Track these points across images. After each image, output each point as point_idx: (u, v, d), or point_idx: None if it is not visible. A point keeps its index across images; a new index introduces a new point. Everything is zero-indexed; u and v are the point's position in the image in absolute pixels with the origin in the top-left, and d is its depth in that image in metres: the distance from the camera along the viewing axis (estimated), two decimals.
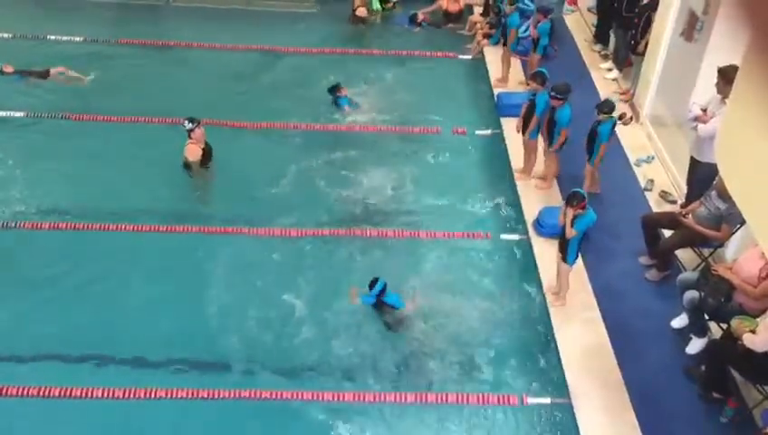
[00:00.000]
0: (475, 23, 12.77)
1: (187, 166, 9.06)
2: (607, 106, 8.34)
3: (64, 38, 12.09)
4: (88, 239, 8.32)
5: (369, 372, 7.06)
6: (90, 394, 6.60)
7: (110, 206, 8.75)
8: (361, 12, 12.93)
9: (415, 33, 13.00)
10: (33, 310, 7.48)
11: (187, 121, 8.93)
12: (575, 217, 7.02)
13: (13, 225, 8.41)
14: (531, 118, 8.92)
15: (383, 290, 7.44)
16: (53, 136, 9.93)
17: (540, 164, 9.29)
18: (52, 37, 12.09)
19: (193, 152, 8.97)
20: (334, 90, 10.67)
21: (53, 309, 7.48)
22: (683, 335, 7.28)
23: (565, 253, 7.30)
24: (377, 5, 13.26)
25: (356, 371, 7.08)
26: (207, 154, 9.13)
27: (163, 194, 9.05)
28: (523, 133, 9.14)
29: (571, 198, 7.01)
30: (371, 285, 7.45)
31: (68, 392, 6.60)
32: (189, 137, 8.95)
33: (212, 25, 12.97)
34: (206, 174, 9.25)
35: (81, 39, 12.10)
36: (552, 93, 8.49)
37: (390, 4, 13.41)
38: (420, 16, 13.12)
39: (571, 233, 7.08)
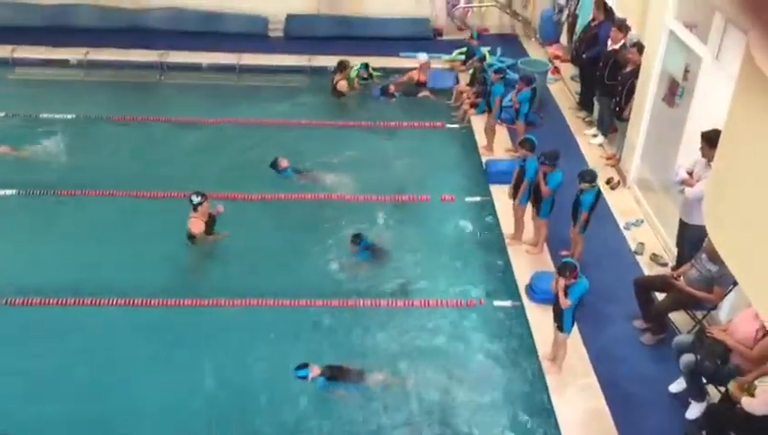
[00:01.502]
0: (462, 92, 13.03)
1: (191, 237, 9.07)
2: (589, 175, 8.40)
3: (57, 116, 12.22)
4: (76, 315, 8.23)
5: None
6: None
7: (100, 281, 8.68)
8: (342, 86, 13.15)
9: (390, 104, 13.20)
10: (15, 388, 7.35)
11: (194, 196, 8.98)
12: (568, 287, 6.99)
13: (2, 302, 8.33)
14: (521, 184, 9.00)
15: (305, 377, 7.28)
16: (44, 212, 9.94)
17: (530, 230, 9.33)
18: (45, 115, 12.22)
19: (197, 225, 9.00)
20: (275, 164, 10.76)
21: (39, 385, 7.35)
22: (682, 400, 7.19)
23: (561, 322, 7.25)
24: (355, 73, 13.52)
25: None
26: (210, 225, 9.17)
27: (153, 268, 8.99)
28: (514, 199, 9.22)
29: (563, 269, 6.98)
30: (298, 368, 7.33)
31: None
32: (195, 210, 8.98)
33: (203, 101, 13.17)
34: (208, 244, 9.24)
35: (73, 116, 12.24)
36: (542, 160, 8.58)
37: (366, 74, 13.65)
38: (392, 88, 13.37)
39: (565, 304, 7.03)
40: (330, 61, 13.72)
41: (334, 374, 7.34)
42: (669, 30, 9.44)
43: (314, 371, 7.33)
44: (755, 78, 3.95)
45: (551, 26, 15.33)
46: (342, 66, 13.21)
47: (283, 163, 10.78)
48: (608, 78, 11.17)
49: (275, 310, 8.38)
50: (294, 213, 10.14)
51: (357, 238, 9.07)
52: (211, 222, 9.17)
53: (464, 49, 14.50)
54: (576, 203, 8.55)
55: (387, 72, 13.82)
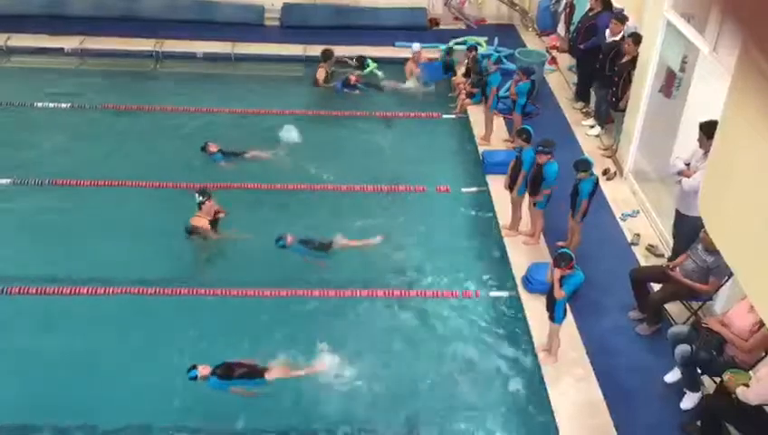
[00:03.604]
0: (458, 83, 13.00)
1: (190, 232, 8.94)
2: (582, 165, 8.39)
3: (51, 105, 12.17)
4: (67, 304, 8.21)
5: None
6: None
7: (94, 270, 8.67)
8: (320, 74, 13.08)
9: (355, 95, 13.03)
10: (13, 376, 7.35)
11: (197, 194, 8.87)
12: (563, 278, 7.00)
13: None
14: (518, 174, 8.99)
15: (195, 378, 7.04)
16: (38, 201, 9.89)
17: (527, 220, 9.32)
18: (39, 105, 12.17)
19: (200, 221, 8.91)
20: (204, 149, 10.73)
21: (31, 375, 7.36)
22: (676, 390, 7.22)
23: (552, 312, 7.27)
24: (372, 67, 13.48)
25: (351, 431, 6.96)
26: (214, 225, 9.05)
27: (147, 257, 8.97)
28: (511, 190, 9.21)
29: (559, 260, 7.00)
30: (188, 371, 7.08)
31: None
32: (199, 208, 8.86)
33: (198, 90, 13.12)
34: (211, 241, 9.12)
35: (68, 106, 12.19)
36: (539, 148, 8.56)
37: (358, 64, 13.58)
38: (352, 79, 13.17)
39: (560, 294, 7.05)
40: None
41: (227, 372, 7.08)
42: (667, 21, 9.43)
43: (203, 370, 7.05)
44: (751, 71, 3.95)
45: (548, 16, 15.31)
46: (326, 56, 13.12)
47: (212, 148, 10.75)
48: (605, 69, 11.15)
49: (263, 300, 8.37)
50: (290, 203, 10.11)
51: (278, 241, 8.85)
52: (215, 222, 9.07)
53: (460, 39, 14.46)
54: (575, 192, 8.55)
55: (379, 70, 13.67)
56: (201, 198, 8.86)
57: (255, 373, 7.19)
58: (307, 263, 8.85)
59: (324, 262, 8.91)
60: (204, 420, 7.04)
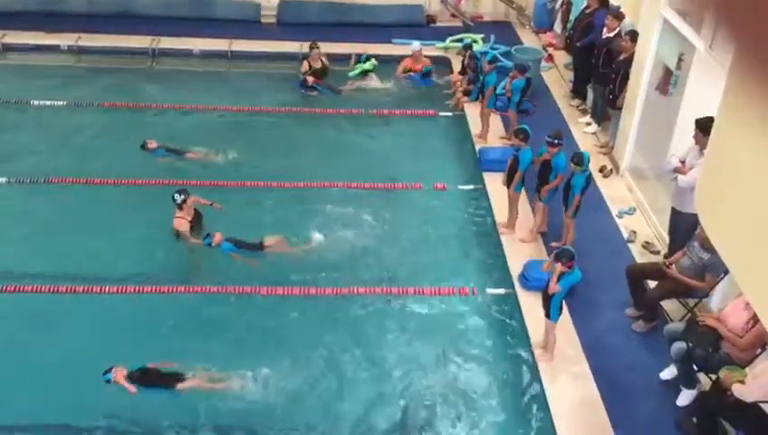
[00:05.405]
0: (455, 81, 12.99)
1: (178, 235, 8.90)
2: (576, 157, 8.40)
3: (47, 103, 12.15)
4: (65, 302, 8.21)
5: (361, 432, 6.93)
6: None
7: (84, 269, 8.67)
8: (304, 66, 13.07)
9: (312, 96, 12.91)
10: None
11: (176, 194, 8.77)
12: (561, 274, 7.01)
13: None
14: (515, 173, 8.99)
15: (109, 381, 6.92)
16: (33, 199, 9.90)
17: (522, 219, 9.32)
18: (36, 102, 12.14)
19: (181, 224, 8.82)
20: (144, 147, 10.68)
21: (20, 372, 7.36)
22: (673, 387, 7.23)
23: (548, 309, 7.27)
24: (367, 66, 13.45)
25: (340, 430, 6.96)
26: (198, 222, 9.00)
27: (139, 256, 8.97)
28: (508, 187, 9.21)
29: (561, 255, 7.00)
30: (104, 373, 6.95)
31: None
32: (180, 208, 8.77)
33: (194, 88, 13.09)
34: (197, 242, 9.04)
35: (64, 103, 12.16)
36: (549, 139, 8.56)
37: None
38: (310, 80, 13.02)
39: (554, 288, 7.05)
40: (323, 48, 13.65)
41: (143, 378, 6.99)
42: (663, 18, 9.43)
43: (118, 374, 6.94)
44: (746, 72, 3.95)
45: (545, 14, 15.30)
46: (307, 53, 13.09)
47: (152, 144, 10.70)
48: (602, 66, 11.16)
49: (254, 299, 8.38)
50: (286, 200, 10.10)
51: (206, 237, 8.71)
52: (198, 218, 9.01)
53: (457, 36, 14.44)
54: (567, 186, 8.55)
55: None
56: (180, 197, 8.74)
57: (168, 382, 7.06)
58: (236, 260, 8.70)
59: (255, 261, 8.76)
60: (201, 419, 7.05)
